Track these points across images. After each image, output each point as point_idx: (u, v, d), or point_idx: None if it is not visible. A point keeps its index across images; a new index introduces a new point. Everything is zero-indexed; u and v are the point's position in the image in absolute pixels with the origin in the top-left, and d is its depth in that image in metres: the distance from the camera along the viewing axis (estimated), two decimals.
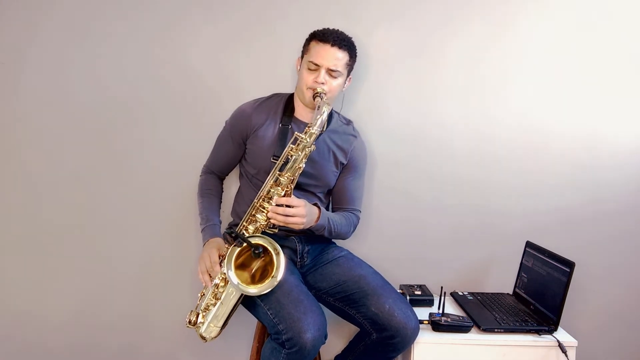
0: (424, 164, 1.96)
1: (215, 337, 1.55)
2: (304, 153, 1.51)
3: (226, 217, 1.85)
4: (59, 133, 1.94)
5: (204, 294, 1.56)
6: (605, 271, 1.97)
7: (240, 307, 1.56)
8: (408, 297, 1.74)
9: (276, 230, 1.55)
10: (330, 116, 1.72)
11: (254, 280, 1.49)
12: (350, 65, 1.66)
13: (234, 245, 1.47)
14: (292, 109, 1.69)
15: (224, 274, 1.48)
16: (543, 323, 1.62)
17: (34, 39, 1.92)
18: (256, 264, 1.51)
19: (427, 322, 1.63)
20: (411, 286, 1.85)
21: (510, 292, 1.91)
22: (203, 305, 1.55)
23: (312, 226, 1.57)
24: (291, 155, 1.51)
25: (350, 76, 1.70)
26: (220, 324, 1.53)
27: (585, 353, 1.82)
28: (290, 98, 1.72)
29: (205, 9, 1.91)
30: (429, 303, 1.77)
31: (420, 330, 1.56)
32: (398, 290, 1.68)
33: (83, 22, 1.92)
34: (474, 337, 1.59)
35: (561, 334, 1.59)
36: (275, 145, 1.63)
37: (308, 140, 1.49)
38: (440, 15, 1.91)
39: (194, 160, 1.86)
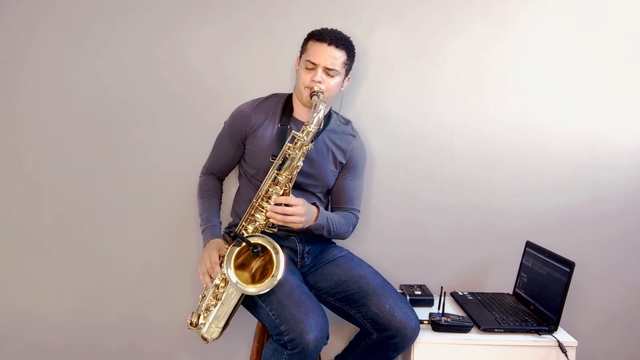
0: (424, 164, 1.96)
1: (217, 338, 1.55)
2: (301, 152, 1.51)
3: (226, 217, 1.85)
4: (59, 133, 1.94)
5: (204, 295, 1.56)
6: (605, 271, 1.97)
7: (241, 308, 1.56)
8: (408, 297, 1.74)
9: (275, 230, 1.55)
10: (329, 116, 1.72)
11: (254, 280, 1.49)
12: (348, 65, 1.66)
13: (233, 245, 1.47)
14: (291, 109, 1.69)
15: (224, 274, 1.48)
16: (543, 323, 1.62)
17: (34, 39, 1.92)
18: (256, 264, 1.51)
19: (427, 322, 1.63)
20: (411, 286, 1.85)
21: (510, 292, 1.91)
22: (204, 306, 1.55)
23: (310, 225, 1.57)
24: (289, 154, 1.51)
25: (349, 76, 1.70)
26: (222, 324, 1.53)
27: (585, 353, 1.82)
28: (289, 98, 1.72)
29: (205, 9, 1.91)
30: (429, 303, 1.77)
31: (420, 330, 1.56)
32: (398, 290, 1.68)
33: (83, 22, 1.92)
34: (474, 337, 1.59)
35: (561, 334, 1.59)
36: (274, 145, 1.63)
37: (305, 138, 1.50)
38: (440, 15, 1.91)
39: (194, 160, 1.86)
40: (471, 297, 1.85)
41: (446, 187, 1.96)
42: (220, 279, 1.52)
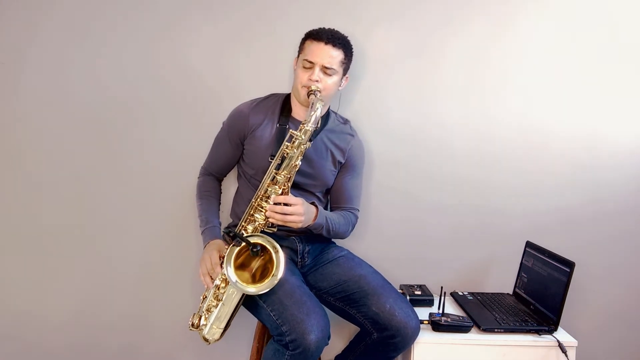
0: (424, 164, 1.96)
1: (218, 339, 1.55)
2: (299, 150, 1.51)
3: (225, 218, 1.85)
4: (59, 133, 1.94)
5: (205, 297, 1.56)
6: (605, 271, 1.97)
7: (240, 308, 1.56)
8: (408, 297, 1.74)
9: (275, 230, 1.55)
10: (327, 115, 1.73)
11: (255, 280, 1.49)
12: (346, 64, 1.66)
13: (233, 245, 1.47)
14: (289, 109, 1.70)
15: (225, 274, 1.48)
16: (543, 323, 1.62)
17: (34, 39, 1.92)
18: (256, 264, 1.51)
19: (427, 322, 1.63)
20: (411, 286, 1.85)
21: (510, 292, 1.91)
22: (205, 307, 1.55)
23: (310, 225, 1.57)
24: (287, 153, 1.52)
25: (347, 75, 1.71)
26: (223, 325, 1.53)
27: (585, 353, 1.82)
28: (287, 98, 1.72)
29: (205, 9, 1.91)
30: (429, 303, 1.77)
31: (420, 330, 1.56)
32: (398, 290, 1.68)
33: (83, 22, 1.92)
34: (474, 337, 1.59)
35: (561, 334, 1.59)
36: (272, 145, 1.63)
37: (303, 137, 1.50)
38: (441, 15, 1.91)
39: (194, 160, 1.85)
40: (471, 297, 1.85)
41: (446, 187, 1.96)
42: (221, 279, 1.52)
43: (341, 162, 1.74)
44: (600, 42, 1.91)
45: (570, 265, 1.58)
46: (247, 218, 1.57)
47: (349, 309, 1.62)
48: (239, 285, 1.44)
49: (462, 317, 1.64)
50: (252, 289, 1.44)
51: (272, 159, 1.56)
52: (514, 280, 1.89)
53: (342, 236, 1.73)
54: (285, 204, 1.49)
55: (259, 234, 1.51)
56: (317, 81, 1.58)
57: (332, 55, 1.59)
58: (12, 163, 1.95)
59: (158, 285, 1.99)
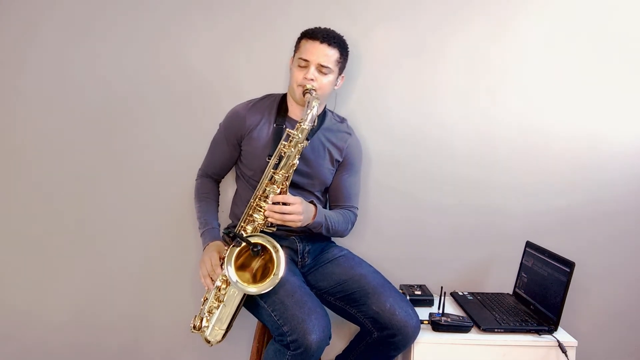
0: (424, 164, 1.96)
1: (220, 341, 1.55)
2: (296, 149, 1.51)
3: (224, 220, 1.85)
4: (59, 133, 1.94)
5: (206, 299, 1.56)
6: (605, 271, 1.97)
7: (241, 308, 1.56)
8: (408, 297, 1.74)
9: (274, 229, 1.55)
10: (324, 114, 1.73)
11: (255, 280, 1.49)
12: (341, 63, 1.66)
13: (233, 246, 1.47)
14: (286, 109, 1.70)
15: (225, 275, 1.48)
16: (543, 323, 1.62)
17: (34, 39, 1.92)
18: (256, 264, 1.51)
19: (427, 322, 1.63)
20: (411, 286, 1.85)
21: (510, 292, 1.91)
22: (206, 309, 1.55)
23: (309, 224, 1.58)
24: (284, 152, 1.52)
25: (343, 75, 1.71)
26: (225, 326, 1.53)
27: (585, 353, 1.83)
28: (283, 98, 1.73)
29: (205, 9, 1.91)
30: (429, 303, 1.77)
31: (420, 330, 1.56)
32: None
33: (83, 22, 1.92)
34: (474, 337, 1.59)
35: (561, 334, 1.59)
36: (270, 145, 1.63)
37: (300, 136, 1.50)
38: (441, 15, 1.91)
39: (195, 160, 1.85)
40: (471, 297, 1.85)
41: (446, 187, 1.96)
42: (222, 280, 1.52)
43: (339, 161, 1.74)
44: (601, 42, 1.91)
45: (570, 265, 1.58)
46: (246, 218, 1.57)
47: (349, 308, 1.62)
48: (240, 285, 1.44)
49: (462, 317, 1.64)
50: (254, 289, 1.44)
51: (270, 159, 1.56)
52: (514, 280, 1.89)
53: (342, 234, 1.73)
54: (284, 203, 1.49)
55: (258, 233, 1.51)
56: (312, 80, 1.58)
57: (327, 54, 1.60)
58: (12, 163, 1.95)
59: (158, 285, 1.99)
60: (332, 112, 1.79)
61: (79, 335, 2.00)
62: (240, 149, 1.71)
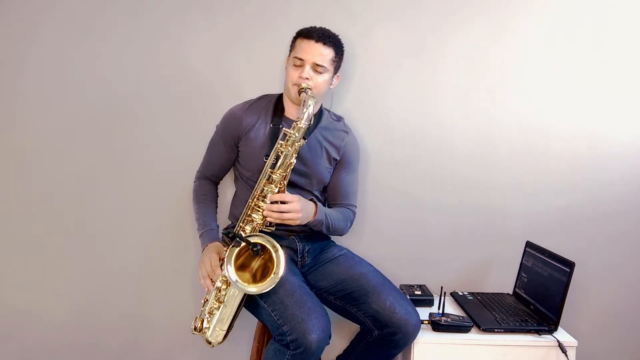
0: (424, 164, 1.96)
1: (221, 342, 1.55)
2: (293, 148, 1.51)
3: (224, 221, 1.85)
4: (59, 133, 1.94)
5: (207, 300, 1.56)
6: (605, 271, 1.97)
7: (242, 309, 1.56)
8: (408, 297, 1.74)
9: (273, 229, 1.55)
10: (320, 113, 1.73)
11: (256, 280, 1.49)
12: (336, 62, 1.66)
13: (232, 246, 1.47)
14: (282, 109, 1.70)
15: (225, 276, 1.48)
16: (543, 323, 1.62)
17: (34, 39, 1.92)
18: (256, 264, 1.51)
19: (427, 322, 1.63)
20: (411, 286, 1.85)
21: (510, 292, 1.91)
22: (207, 310, 1.54)
23: (309, 222, 1.58)
24: (281, 152, 1.52)
25: (338, 74, 1.71)
26: (226, 327, 1.53)
27: (585, 353, 1.82)
28: (279, 98, 1.73)
29: (205, 9, 1.91)
30: (429, 303, 1.77)
31: (420, 330, 1.57)
32: None
33: (83, 22, 1.92)
34: (474, 337, 1.59)
35: (561, 334, 1.59)
36: (267, 145, 1.63)
37: (297, 135, 1.50)
38: (441, 15, 1.91)
39: (195, 160, 1.85)
40: (471, 297, 1.85)
41: (446, 187, 1.96)
42: (222, 281, 1.52)
43: (336, 159, 1.74)
44: (601, 42, 1.91)
45: (570, 265, 1.58)
46: (244, 219, 1.57)
47: (349, 307, 1.62)
48: (240, 285, 1.44)
49: (462, 317, 1.64)
50: (254, 289, 1.44)
51: (267, 159, 1.56)
52: (514, 280, 1.89)
53: (341, 233, 1.73)
54: (282, 202, 1.49)
55: (257, 233, 1.51)
56: (307, 79, 1.59)
57: (322, 53, 1.60)
58: (12, 163, 1.95)
59: (158, 285, 1.99)
60: (328, 111, 1.79)
61: (79, 335, 2.01)
62: (237, 150, 1.71)
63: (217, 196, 1.83)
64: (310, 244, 1.71)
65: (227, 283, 1.51)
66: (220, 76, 1.93)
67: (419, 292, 1.80)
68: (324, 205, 1.80)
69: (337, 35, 1.67)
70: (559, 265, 1.63)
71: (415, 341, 1.57)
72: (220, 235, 1.70)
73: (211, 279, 1.53)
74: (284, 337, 1.42)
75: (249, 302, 1.55)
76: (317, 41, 1.60)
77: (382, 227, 1.97)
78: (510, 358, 1.58)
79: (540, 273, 1.73)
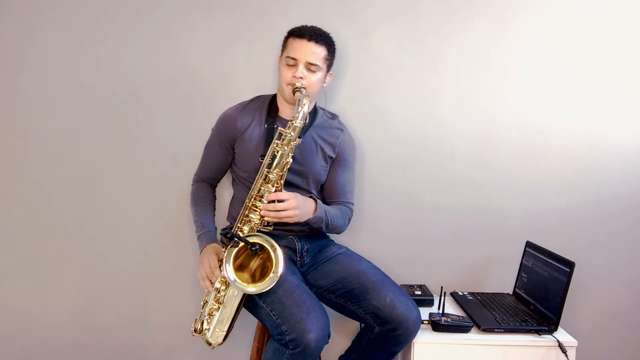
0: (424, 163, 1.96)
1: (222, 343, 1.54)
2: (289, 147, 1.51)
3: (222, 224, 1.84)
4: (59, 133, 1.94)
5: (206, 301, 1.56)
6: (605, 271, 1.97)
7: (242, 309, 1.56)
8: None
9: (271, 228, 1.55)
10: (314, 112, 1.73)
11: (255, 280, 1.48)
12: (329, 60, 1.67)
13: (231, 246, 1.47)
14: (276, 109, 1.70)
15: (224, 277, 1.48)
16: (543, 323, 1.62)
17: (34, 39, 1.92)
18: (255, 264, 1.51)
19: (427, 322, 1.63)
20: (411, 286, 1.85)
21: (510, 292, 1.91)
22: (206, 311, 1.54)
23: (309, 219, 1.58)
24: (277, 151, 1.52)
25: (330, 72, 1.71)
26: (226, 328, 1.53)
27: (585, 353, 1.82)
28: (273, 98, 1.73)
29: (206, 9, 1.91)
30: (429, 303, 1.77)
31: (420, 330, 1.57)
32: None
33: (83, 22, 1.92)
34: (474, 337, 1.59)
35: (561, 334, 1.59)
36: (262, 146, 1.64)
37: (292, 134, 1.50)
38: (441, 15, 1.91)
39: (195, 160, 1.85)
40: (471, 297, 1.85)
41: (446, 187, 1.96)
42: (221, 282, 1.52)
43: (332, 157, 1.74)
44: (601, 42, 1.91)
45: (570, 265, 1.58)
46: (242, 219, 1.56)
47: (349, 304, 1.62)
48: (239, 284, 1.44)
49: (462, 317, 1.64)
50: (252, 289, 1.44)
51: (262, 159, 1.56)
52: (514, 280, 1.89)
53: (339, 230, 1.73)
54: (279, 201, 1.50)
55: (255, 233, 1.51)
56: (301, 78, 1.59)
57: (315, 52, 1.60)
58: (12, 163, 1.95)
59: (158, 285, 1.99)
60: (323, 109, 1.80)
61: (79, 336, 2.01)
62: (233, 152, 1.71)
63: (215, 199, 1.84)
64: (309, 243, 1.71)
65: (226, 284, 1.51)
66: (220, 76, 1.93)
67: (419, 292, 1.80)
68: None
69: (329, 34, 1.67)
70: (559, 265, 1.63)
71: (415, 341, 1.57)
72: (218, 236, 1.70)
73: (210, 280, 1.53)
74: (283, 337, 1.42)
75: (248, 302, 1.55)
76: (309, 40, 1.60)
77: (382, 227, 1.97)
78: (510, 358, 1.58)
79: (540, 273, 1.73)
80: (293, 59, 1.60)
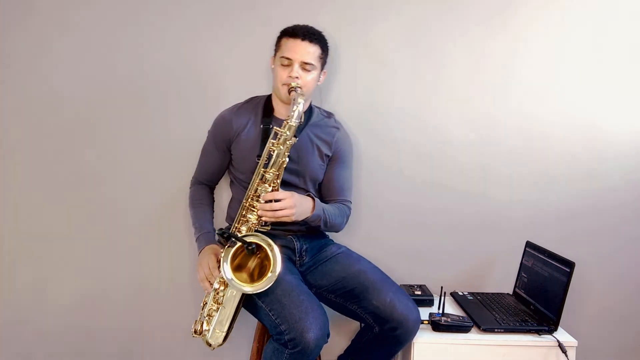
0: (424, 164, 1.95)
1: (222, 344, 1.54)
2: (285, 146, 1.51)
3: (221, 226, 1.84)
4: (58, 133, 1.94)
5: (205, 303, 1.56)
6: (605, 271, 1.96)
7: (241, 310, 1.56)
8: None
9: (269, 228, 1.55)
10: (310, 111, 1.73)
11: (253, 280, 1.48)
12: (323, 59, 1.67)
13: (228, 246, 1.47)
14: (272, 109, 1.70)
15: (223, 277, 1.48)
16: (543, 323, 1.62)
17: (27, 39, 1.91)
18: (253, 263, 1.51)
19: (427, 322, 1.63)
20: (411, 286, 1.85)
21: (510, 292, 1.90)
22: (206, 312, 1.54)
23: (307, 217, 1.57)
24: (273, 151, 1.52)
25: (324, 70, 1.71)
26: (225, 328, 1.53)
27: (585, 353, 1.82)
28: (268, 99, 1.73)
29: (206, 9, 1.91)
30: (429, 303, 1.77)
31: (420, 330, 1.57)
32: None
33: (82, 22, 1.91)
34: (474, 337, 1.59)
35: (561, 334, 1.59)
36: (258, 146, 1.64)
37: (288, 133, 1.50)
38: (441, 14, 1.91)
39: (194, 160, 1.84)
40: (471, 297, 1.85)
41: (446, 187, 1.96)
42: (219, 282, 1.52)
43: (328, 155, 1.74)
44: (601, 41, 1.91)
45: (570, 265, 1.58)
46: (239, 219, 1.56)
47: (349, 304, 1.62)
48: (236, 284, 1.44)
49: (462, 317, 1.64)
50: (250, 288, 1.44)
51: (259, 159, 1.56)
52: (514, 280, 1.89)
53: (338, 228, 1.73)
54: (276, 200, 1.49)
55: (252, 233, 1.51)
56: (297, 78, 1.59)
57: (309, 51, 1.60)
58: (12, 163, 1.95)
59: (158, 286, 1.99)
60: (318, 108, 1.79)
61: (79, 337, 2.00)
62: (230, 154, 1.71)
63: (214, 201, 1.84)
64: (308, 242, 1.71)
65: (225, 284, 1.51)
66: (220, 77, 1.93)
67: (419, 292, 1.80)
68: None
69: (322, 32, 1.67)
70: (559, 265, 1.63)
71: (415, 341, 1.57)
72: (216, 236, 1.70)
73: (209, 281, 1.53)
74: (282, 336, 1.42)
75: (248, 302, 1.55)
76: (303, 39, 1.60)
77: (382, 227, 1.97)
78: (510, 358, 1.57)
79: (540, 273, 1.73)
80: (288, 58, 1.60)
